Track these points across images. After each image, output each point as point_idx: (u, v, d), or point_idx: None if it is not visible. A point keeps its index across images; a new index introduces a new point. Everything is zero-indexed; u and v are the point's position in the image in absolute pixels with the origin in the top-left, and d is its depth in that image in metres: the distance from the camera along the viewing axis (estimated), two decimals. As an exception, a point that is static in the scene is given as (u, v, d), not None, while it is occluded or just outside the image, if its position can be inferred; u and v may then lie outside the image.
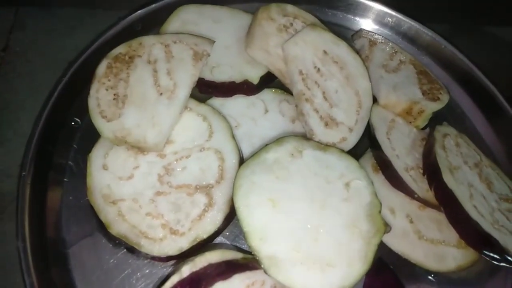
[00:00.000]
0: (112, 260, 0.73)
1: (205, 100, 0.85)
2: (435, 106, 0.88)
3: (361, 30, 1.01)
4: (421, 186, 0.76)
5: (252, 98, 0.88)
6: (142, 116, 0.75)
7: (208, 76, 0.84)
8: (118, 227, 0.70)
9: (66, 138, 0.83)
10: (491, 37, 1.19)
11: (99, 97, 0.76)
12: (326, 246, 0.66)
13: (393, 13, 1.05)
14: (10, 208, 0.79)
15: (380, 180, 0.80)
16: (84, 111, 0.79)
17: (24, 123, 0.88)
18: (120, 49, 0.81)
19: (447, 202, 0.71)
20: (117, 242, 0.71)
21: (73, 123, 0.85)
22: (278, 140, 0.75)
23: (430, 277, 0.77)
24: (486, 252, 0.70)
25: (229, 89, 0.85)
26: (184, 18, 0.93)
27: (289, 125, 0.86)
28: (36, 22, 1.02)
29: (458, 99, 1.01)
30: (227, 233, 0.76)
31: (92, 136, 0.78)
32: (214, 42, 0.85)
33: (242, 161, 0.76)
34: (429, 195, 0.76)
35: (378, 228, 0.69)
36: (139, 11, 0.93)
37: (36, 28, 1.02)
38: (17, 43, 0.99)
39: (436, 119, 0.91)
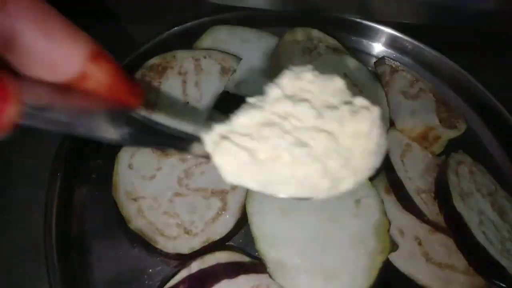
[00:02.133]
0: (127, 255, 0.78)
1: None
2: (452, 134, 0.89)
3: (383, 57, 1.05)
4: (431, 209, 0.77)
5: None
6: (170, 121, 0.81)
7: (232, 90, 0.89)
8: (137, 223, 0.75)
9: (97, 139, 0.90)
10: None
11: (131, 102, 0.83)
12: (331, 258, 0.68)
13: (416, 43, 1.09)
14: (40, 199, 0.85)
15: (391, 201, 0.82)
16: (117, 116, 0.85)
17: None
18: (155, 60, 0.88)
19: (455, 226, 0.72)
20: (134, 238, 0.76)
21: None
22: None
23: (436, 302, 0.76)
24: (494, 281, 0.70)
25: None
26: (215, 37, 1.00)
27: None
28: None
29: (477, 130, 1.02)
30: (240, 240, 0.79)
31: (121, 138, 0.84)
32: (241, 59, 0.91)
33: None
34: (439, 219, 0.76)
35: (385, 246, 0.71)
36: (175, 28, 1.01)
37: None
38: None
39: (453, 148, 0.92)
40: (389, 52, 1.12)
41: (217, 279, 0.61)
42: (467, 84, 1.05)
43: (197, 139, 0.43)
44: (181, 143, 0.46)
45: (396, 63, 1.04)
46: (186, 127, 0.56)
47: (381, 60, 1.04)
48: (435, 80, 1.07)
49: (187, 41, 1.01)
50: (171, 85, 0.85)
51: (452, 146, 0.90)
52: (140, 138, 0.42)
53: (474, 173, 0.84)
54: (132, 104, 0.43)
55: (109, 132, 0.39)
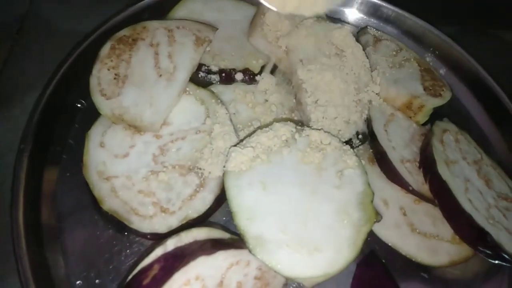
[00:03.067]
0: (102, 236, 0.74)
1: (205, 86, 0.86)
2: (436, 102, 0.87)
3: (366, 27, 1.02)
4: (416, 178, 0.75)
5: (252, 87, 0.88)
6: (141, 96, 0.76)
7: (209, 63, 0.85)
8: (110, 203, 0.71)
9: (68, 117, 0.85)
10: (498, 40, 1.18)
11: (100, 76, 0.78)
12: (314, 231, 0.65)
13: (400, 11, 1.05)
14: (9, 180, 0.81)
15: (375, 172, 0.80)
16: (87, 93, 0.80)
17: (31, 102, 0.90)
18: (124, 32, 0.83)
19: (441, 194, 0.70)
20: (108, 219, 0.72)
21: (78, 105, 0.87)
22: (273, 125, 0.75)
23: (423, 274, 0.75)
24: (480, 248, 0.68)
25: (229, 76, 0.86)
26: (190, 8, 0.95)
27: (288, 115, 0.86)
28: (50, 7, 1.06)
29: (463, 99, 1.00)
30: (220, 217, 0.76)
31: (93, 117, 0.79)
32: (216, 29, 0.86)
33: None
34: (424, 188, 0.74)
35: (369, 216, 0.68)
36: (147, 0, 0.95)
37: (49, 13, 1.05)
38: (30, 26, 1.03)
39: (438, 117, 0.90)
40: (372, 21, 1.08)
41: (194, 256, 0.57)
42: (452, 52, 1.02)
43: None
44: None
45: (379, 32, 1.00)
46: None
47: (364, 29, 1.01)
48: (419, 49, 1.04)
49: (160, 13, 0.96)
50: (142, 58, 0.80)
51: (437, 115, 0.88)
52: None
53: (459, 141, 0.82)
54: None
55: None
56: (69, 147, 0.82)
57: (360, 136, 0.85)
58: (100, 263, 0.72)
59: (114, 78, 0.78)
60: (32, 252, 0.69)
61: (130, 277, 0.60)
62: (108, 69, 0.78)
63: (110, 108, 0.75)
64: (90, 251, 0.72)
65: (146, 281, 0.56)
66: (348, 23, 1.08)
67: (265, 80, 0.88)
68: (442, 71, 1.03)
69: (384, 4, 1.05)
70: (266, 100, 0.87)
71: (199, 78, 0.87)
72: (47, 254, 0.72)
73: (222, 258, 0.60)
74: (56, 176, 0.79)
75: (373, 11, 1.07)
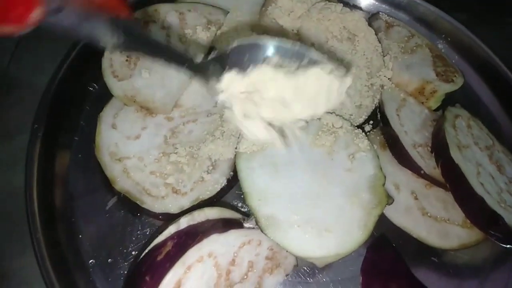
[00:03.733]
0: (114, 217, 0.75)
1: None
2: (448, 88, 0.86)
3: (378, 13, 1.01)
4: (428, 163, 0.75)
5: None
6: (152, 77, 0.76)
7: (219, 45, 0.85)
8: (122, 183, 0.71)
9: (79, 99, 0.85)
10: (511, 28, 1.16)
11: (112, 58, 0.78)
12: (325, 212, 0.66)
13: (413, -2, 1.04)
14: (22, 162, 0.82)
15: (387, 157, 0.79)
16: (100, 76, 0.81)
17: (42, 84, 0.90)
18: (136, 15, 0.83)
19: (453, 178, 0.70)
20: (120, 199, 0.73)
21: (89, 88, 0.87)
22: (285, 108, 0.75)
23: (433, 258, 0.75)
24: (491, 232, 0.68)
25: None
26: (201, -9, 0.95)
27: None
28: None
29: (474, 86, 0.99)
30: (232, 198, 0.76)
31: (105, 99, 0.80)
32: (228, 12, 0.86)
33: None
34: (436, 172, 0.74)
35: (380, 199, 0.68)
36: (158, -18, 0.95)
37: None
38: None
39: (451, 103, 0.89)
40: (384, 7, 1.07)
41: (207, 234, 0.58)
42: (464, 39, 1.01)
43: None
44: (179, 58, 0.54)
45: (391, 18, 0.99)
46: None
47: (376, 15, 0.99)
48: (431, 36, 1.03)
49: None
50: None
51: (448, 102, 0.87)
52: (135, 44, 0.51)
53: (471, 127, 0.81)
54: (122, 12, 0.49)
55: (108, 36, 0.47)
56: (81, 129, 0.83)
57: (371, 122, 0.85)
58: (112, 243, 0.72)
59: (126, 60, 0.78)
60: (46, 232, 0.71)
61: (144, 253, 0.60)
62: (120, 52, 0.79)
63: (122, 89, 0.75)
64: (102, 232, 0.73)
65: (160, 257, 0.57)
66: (360, 8, 1.07)
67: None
68: (454, 58, 1.02)
69: (396, -11, 1.04)
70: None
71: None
72: (61, 234, 0.73)
73: (234, 237, 0.61)
74: (68, 158, 0.80)
75: (385, -3, 1.06)
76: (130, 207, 0.72)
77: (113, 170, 0.73)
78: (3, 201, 0.79)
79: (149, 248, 0.60)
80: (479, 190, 0.66)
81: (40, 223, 0.71)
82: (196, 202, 0.70)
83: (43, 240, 0.70)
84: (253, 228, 0.63)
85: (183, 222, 0.61)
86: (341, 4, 0.87)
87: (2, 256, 0.76)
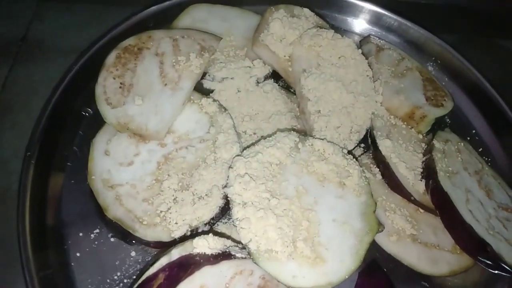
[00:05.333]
0: (106, 244, 0.75)
1: (208, 94, 0.86)
2: (438, 112, 0.87)
3: (369, 36, 1.02)
4: (418, 189, 0.76)
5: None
6: (146, 104, 0.77)
7: (212, 71, 0.86)
8: (114, 211, 0.72)
9: (73, 125, 0.86)
10: (500, 50, 1.19)
11: (106, 85, 0.79)
12: (317, 241, 0.66)
13: (403, 20, 1.06)
14: (14, 187, 0.82)
15: (377, 180, 0.80)
16: (93, 101, 0.81)
17: (36, 108, 0.90)
18: (130, 41, 0.84)
19: (442, 205, 0.71)
20: (113, 227, 0.73)
21: (83, 113, 0.88)
22: (277, 134, 0.76)
23: (423, 283, 0.76)
24: (480, 258, 0.69)
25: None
26: (194, 16, 0.96)
27: (291, 121, 0.87)
28: (54, 15, 1.07)
29: (464, 109, 1.01)
30: (223, 222, 0.77)
31: (98, 124, 0.80)
32: (221, 38, 0.87)
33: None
34: (426, 198, 0.75)
35: (372, 227, 0.69)
36: (152, 8, 0.96)
37: (53, 21, 1.06)
38: (35, 34, 1.04)
39: (440, 127, 0.91)
40: (375, 30, 1.09)
41: (198, 266, 0.58)
42: (454, 62, 1.03)
43: None
44: None
45: (381, 41, 1.01)
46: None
47: (366, 38, 1.01)
48: (421, 58, 1.05)
49: (165, 21, 0.96)
50: (147, 67, 0.81)
51: (438, 124, 0.89)
52: None
53: (460, 151, 0.83)
54: None
55: None
56: (74, 154, 0.83)
57: (362, 145, 0.86)
58: (104, 270, 0.72)
59: (120, 87, 0.79)
60: (38, 258, 0.70)
61: (135, 286, 0.60)
62: (114, 78, 0.79)
63: (116, 117, 0.76)
64: (94, 259, 0.73)
65: (151, 291, 0.57)
66: (351, 31, 1.09)
67: (267, 88, 0.89)
68: (444, 80, 1.03)
69: (386, 13, 1.06)
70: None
71: (203, 87, 0.87)
72: (53, 261, 0.73)
73: (226, 268, 0.61)
74: (61, 183, 0.80)
75: (375, 20, 1.08)
76: (123, 234, 0.73)
77: (105, 198, 0.73)
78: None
79: (140, 280, 0.60)
80: (467, 217, 0.67)
81: (31, 250, 0.70)
82: (189, 230, 0.70)
83: (34, 267, 0.69)
84: (245, 258, 0.63)
85: (175, 254, 0.61)
86: (333, 31, 0.88)
87: (-7, 284, 0.76)
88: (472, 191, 0.75)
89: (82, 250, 0.74)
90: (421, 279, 0.76)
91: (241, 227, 0.65)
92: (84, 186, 0.77)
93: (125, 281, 0.72)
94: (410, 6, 1.07)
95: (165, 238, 0.70)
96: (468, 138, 0.94)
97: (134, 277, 0.72)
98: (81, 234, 0.75)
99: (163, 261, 0.61)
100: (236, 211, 0.66)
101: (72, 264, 0.73)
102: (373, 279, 0.74)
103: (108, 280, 0.71)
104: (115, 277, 0.72)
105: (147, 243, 0.71)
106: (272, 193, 0.69)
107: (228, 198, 0.69)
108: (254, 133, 0.84)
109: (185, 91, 0.79)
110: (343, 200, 0.71)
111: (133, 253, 0.74)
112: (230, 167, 0.71)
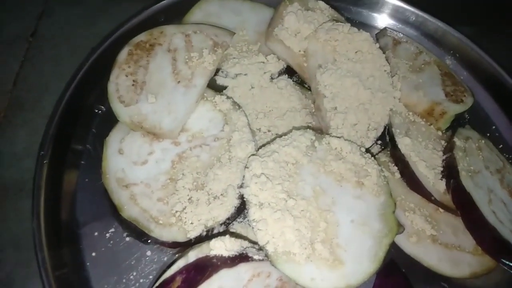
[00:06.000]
0: (121, 243, 0.74)
1: (222, 90, 0.85)
2: (458, 108, 0.85)
3: (385, 28, 1.00)
4: (438, 188, 0.74)
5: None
6: (159, 103, 0.76)
7: (225, 67, 0.84)
8: (129, 211, 0.71)
9: (85, 122, 0.85)
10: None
11: (118, 83, 0.77)
12: (335, 243, 0.65)
13: (420, 13, 1.03)
14: (28, 186, 0.81)
15: (396, 179, 0.79)
16: (105, 98, 0.80)
17: (47, 105, 0.90)
18: (141, 37, 0.82)
19: (464, 206, 0.69)
20: (128, 226, 0.72)
21: (96, 110, 0.87)
22: (293, 133, 0.74)
23: (443, 283, 0.74)
24: (503, 260, 0.67)
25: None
26: (206, 10, 0.94)
27: (306, 118, 0.85)
28: (64, 9, 1.06)
29: (483, 103, 0.98)
30: (239, 222, 0.76)
31: (111, 122, 0.79)
32: (234, 33, 0.85)
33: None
34: (446, 198, 0.73)
35: (391, 228, 0.68)
36: (163, 2, 0.94)
37: (63, 16, 1.05)
38: (45, 29, 1.03)
39: (459, 122, 0.88)
40: (391, 23, 1.06)
41: (216, 269, 0.57)
42: (473, 55, 1.00)
43: None
44: None
45: (398, 34, 0.98)
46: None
47: (383, 31, 0.98)
48: (439, 52, 1.02)
49: (176, 15, 0.95)
50: (160, 64, 0.79)
51: (457, 121, 0.86)
52: None
53: (481, 149, 0.80)
54: None
55: None
56: (87, 152, 0.83)
57: (379, 142, 0.84)
58: (120, 270, 0.72)
59: (132, 85, 0.77)
60: (53, 258, 0.70)
61: (153, 288, 0.60)
62: (126, 75, 0.78)
63: (129, 115, 0.75)
64: (110, 259, 0.73)
65: (169, 294, 0.56)
66: (366, 24, 1.06)
67: (281, 84, 0.87)
68: (462, 74, 1.00)
69: (403, 5, 1.03)
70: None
71: (216, 83, 0.86)
72: (68, 260, 0.73)
73: (243, 270, 0.60)
74: (75, 182, 0.80)
75: (392, 13, 1.05)
76: (138, 233, 0.72)
77: (120, 197, 0.72)
78: (10, 227, 0.79)
79: (158, 283, 0.59)
80: (491, 219, 0.65)
81: (47, 249, 0.70)
82: (204, 230, 0.69)
83: (50, 266, 0.69)
84: (262, 260, 0.62)
85: (192, 256, 0.61)
86: (349, 24, 0.85)
87: (9, 282, 0.76)
88: (494, 191, 0.73)
89: (97, 249, 0.74)
90: (441, 280, 0.74)
91: (258, 229, 0.63)
92: (98, 185, 0.77)
93: (141, 280, 0.71)
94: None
95: (181, 238, 0.69)
96: (488, 135, 0.91)
97: (150, 276, 0.71)
98: (96, 234, 0.75)
99: (180, 263, 0.60)
100: (253, 212, 0.65)
101: (88, 263, 0.73)
102: (392, 279, 0.72)
103: (124, 280, 0.71)
104: (131, 276, 0.72)
105: (163, 243, 0.71)
106: (289, 194, 0.67)
107: (244, 199, 0.68)
108: (269, 131, 0.83)
109: (198, 89, 0.77)
110: (362, 201, 0.70)
111: (148, 252, 0.74)
112: (246, 167, 0.70)
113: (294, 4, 0.89)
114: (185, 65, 0.79)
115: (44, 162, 0.75)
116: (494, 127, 0.95)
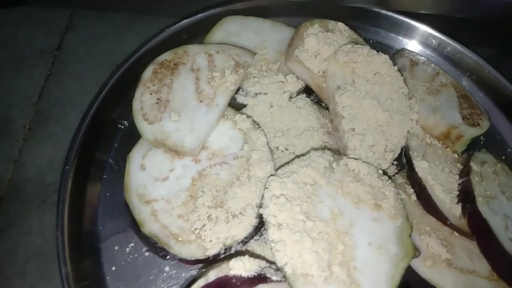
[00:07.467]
0: (141, 258, 0.76)
1: (241, 109, 0.87)
2: (475, 132, 0.86)
3: (403, 49, 1.01)
4: (454, 212, 0.75)
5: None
6: (182, 120, 0.78)
7: (246, 87, 0.86)
8: (150, 227, 0.73)
9: (108, 137, 0.87)
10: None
11: (143, 100, 0.80)
12: (352, 266, 0.66)
13: (437, 34, 1.04)
14: (52, 199, 0.84)
15: (412, 202, 0.79)
16: (128, 113, 0.82)
17: (71, 119, 0.93)
18: (166, 56, 0.84)
19: (480, 232, 0.70)
20: (148, 242, 0.74)
21: (119, 125, 0.89)
22: (311, 153, 0.76)
23: (457, 308, 0.75)
24: (519, 287, 0.67)
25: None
26: (227, 29, 0.96)
27: (323, 137, 0.86)
28: (89, 24, 1.09)
29: (499, 126, 0.98)
30: (256, 244, 0.77)
31: (133, 137, 0.81)
32: (255, 54, 0.87)
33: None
34: (462, 222, 0.74)
35: (407, 252, 0.68)
36: (185, 20, 0.97)
37: (88, 30, 1.08)
38: (69, 43, 1.06)
39: (475, 145, 0.89)
40: (409, 43, 1.07)
41: (236, 289, 0.59)
42: (489, 76, 1.00)
43: None
44: None
45: (416, 55, 0.99)
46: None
47: (400, 52, 1.00)
48: (456, 73, 1.03)
49: (198, 33, 0.97)
50: (183, 83, 0.82)
51: (473, 143, 0.87)
52: None
53: (497, 173, 0.81)
54: None
55: None
56: (110, 167, 0.85)
57: (395, 163, 0.85)
58: (140, 285, 0.74)
59: (156, 103, 0.79)
60: (75, 270, 0.72)
61: (174, 307, 0.61)
62: (151, 93, 0.80)
63: (153, 133, 0.77)
64: (130, 273, 0.75)
65: (190, 313, 0.58)
66: (384, 44, 1.07)
67: (300, 104, 0.89)
68: (478, 96, 1.01)
69: (421, 26, 1.04)
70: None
71: (236, 101, 0.88)
72: (89, 273, 0.75)
73: (263, 291, 0.61)
74: (97, 196, 0.82)
75: (409, 33, 1.06)
76: (157, 249, 0.74)
77: (141, 213, 0.74)
78: (35, 239, 0.81)
79: (179, 302, 0.61)
80: (508, 246, 0.66)
81: (70, 262, 0.72)
82: (223, 248, 0.70)
83: (72, 279, 0.71)
84: (280, 281, 0.63)
85: (212, 275, 0.62)
86: (368, 47, 0.87)
87: (31, 293, 0.78)
88: (510, 217, 0.73)
89: (117, 263, 0.76)
90: (455, 303, 0.75)
91: (277, 250, 0.65)
92: (119, 199, 0.79)
93: (160, 296, 0.73)
94: (444, 20, 1.04)
95: (200, 255, 0.70)
96: (503, 157, 0.92)
97: (169, 292, 0.73)
98: (116, 248, 0.77)
99: (200, 282, 0.62)
100: (272, 233, 0.66)
101: (108, 277, 0.75)
102: (406, 302, 0.73)
103: (143, 295, 0.73)
104: (150, 291, 0.73)
105: (181, 259, 0.72)
106: (307, 215, 0.69)
107: (263, 219, 0.69)
108: (286, 149, 0.84)
109: (220, 108, 0.79)
110: (379, 223, 0.71)
111: (167, 268, 0.75)
112: (265, 187, 0.71)
113: (315, 26, 0.90)
114: (208, 85, 0.81)
115: (69, 176, 0.77)
116: (510, 149, 0.95)
